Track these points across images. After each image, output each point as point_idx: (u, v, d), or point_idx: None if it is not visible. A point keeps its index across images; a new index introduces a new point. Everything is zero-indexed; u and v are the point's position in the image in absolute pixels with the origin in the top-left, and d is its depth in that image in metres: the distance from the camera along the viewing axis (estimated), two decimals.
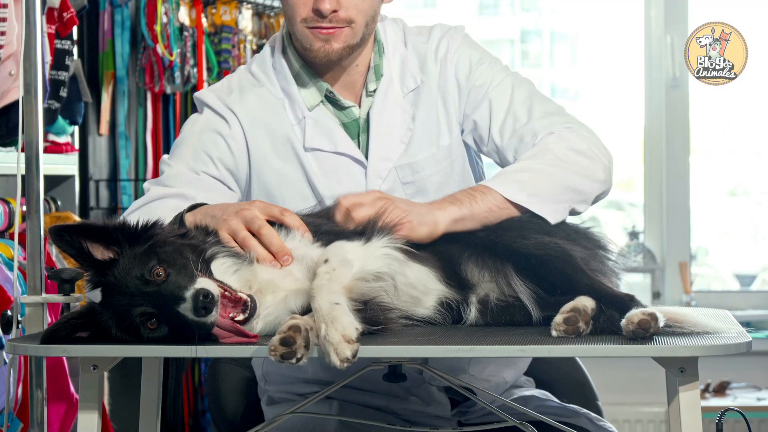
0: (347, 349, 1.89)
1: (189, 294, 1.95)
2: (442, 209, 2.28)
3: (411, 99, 2.58)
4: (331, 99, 2.56)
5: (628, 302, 2.08)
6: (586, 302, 2.08)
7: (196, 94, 2.60)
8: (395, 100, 2.56)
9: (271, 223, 2.15)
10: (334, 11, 2.43)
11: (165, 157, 2.54)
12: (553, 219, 2.33)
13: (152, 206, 2.39)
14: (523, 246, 2.21)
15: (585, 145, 2.44)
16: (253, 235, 2.13)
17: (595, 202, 2.46)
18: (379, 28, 2.60)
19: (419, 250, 2.20)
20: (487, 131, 2.53)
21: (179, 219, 2.21)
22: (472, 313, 2.21)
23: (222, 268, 2.05)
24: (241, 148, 2.52)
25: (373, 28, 2.53)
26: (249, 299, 2.01)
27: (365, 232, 2.14)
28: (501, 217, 2.31)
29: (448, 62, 2.58)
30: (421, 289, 2.18)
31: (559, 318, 2.05)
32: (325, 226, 2.18)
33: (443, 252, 2.23)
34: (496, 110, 2.53)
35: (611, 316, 2.08)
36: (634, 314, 2.00)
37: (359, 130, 2.57)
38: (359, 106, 2.58)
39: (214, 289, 1.96)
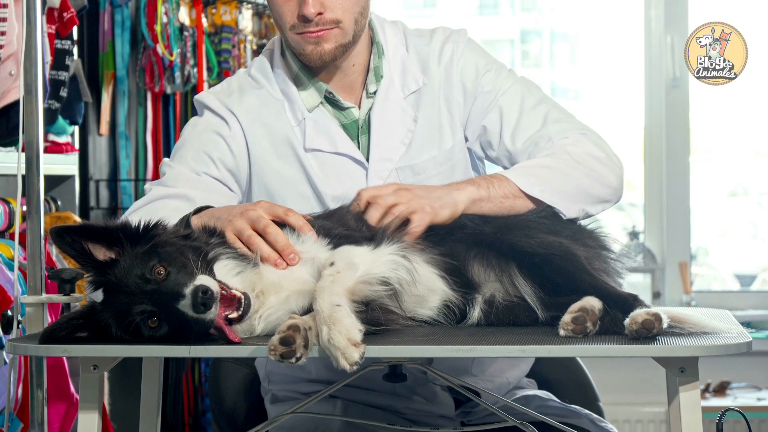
0: (355, 352, 1.89)
1: (188, 291, 1.94)
2: (460, 189, 2.31)
3: (412, 101, 2.57)
4: (330, 100, 2.56)
5: (632, 302, 2.08)
6: (593, 302, 2.08)
7: (196, 96, 2.61)
8: (396, 102, 2.56)
9: (280, 225, 2.15)
10: (320, 14, 2.43)
11: (166, 159, 2.54)
12: (567, 213, 2.34)
13: (153, 206, 2.39)
14: (528, 245, 2.21)
15: (601, 152, 2.46)
16: (260, 235, 2.14)
17: (605, 208, 2.47)
18: (378, 30, 2.59)
19: (428, 247, 2.20)
20: (498, 136, 2.54)
21: (185, 221, 2.21)
22: (476, 313, 2.21)
23: (225, 269, 2.05)
24: (241, 149, 2.53)
25: (363, 24, 2.52)
26: (243, 296, 2.00)
27: (375, 237, 2.14)
28: (515, 206, 2.34)
29: (453, 66, 2.58)
30: (426, 293, 2.18)
31: (567, 317, 2.05)
32: (336, 229, 2.18)
33: (449, 252, 2.23)
34: (508, 116, 2.54)
35: (615, 317, 2.08)
36: (639, 314, 1.99)
37: (359, 131, 2.56)
38: (359, 108, 2.57)
39: (214, 286, 1.96)
